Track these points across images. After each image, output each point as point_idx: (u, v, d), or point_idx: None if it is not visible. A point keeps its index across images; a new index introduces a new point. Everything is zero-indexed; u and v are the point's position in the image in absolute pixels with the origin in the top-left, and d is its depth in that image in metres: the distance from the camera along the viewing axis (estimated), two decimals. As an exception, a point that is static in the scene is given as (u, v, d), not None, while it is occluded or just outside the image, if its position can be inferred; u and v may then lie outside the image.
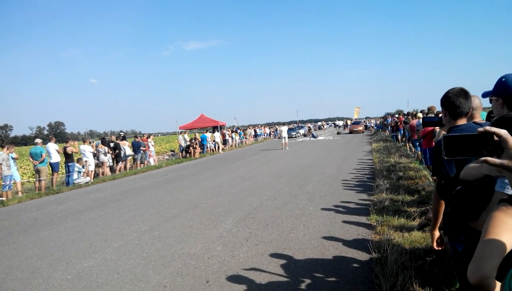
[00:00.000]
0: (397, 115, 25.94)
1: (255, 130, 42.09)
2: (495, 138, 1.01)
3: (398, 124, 20.05)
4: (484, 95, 2.14)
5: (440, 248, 2.53)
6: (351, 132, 42.08)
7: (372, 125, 51.24)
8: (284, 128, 26.45)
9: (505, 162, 0.99)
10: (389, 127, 27.47)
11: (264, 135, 44.21)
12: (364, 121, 63.69)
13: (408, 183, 8.34)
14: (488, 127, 1.01)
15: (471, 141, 1.05)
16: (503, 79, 1.87)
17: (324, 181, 9.89)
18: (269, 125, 73.33)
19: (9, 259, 5.35)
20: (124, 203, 9.01)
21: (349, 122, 59.41)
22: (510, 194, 1.48)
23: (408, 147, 15.37)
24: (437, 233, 2.49)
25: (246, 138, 35.75)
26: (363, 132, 41.01)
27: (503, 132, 1.00)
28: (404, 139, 17.57)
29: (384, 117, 38.41)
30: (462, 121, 2.23)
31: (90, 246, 5.63)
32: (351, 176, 10.43)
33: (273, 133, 47.69)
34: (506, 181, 1.55)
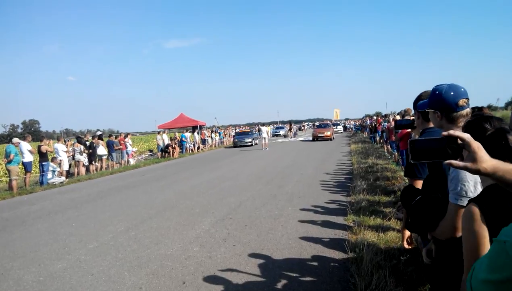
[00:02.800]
0: (375, 117, 26.40)
1: (235, 131, 42.05)
2: (459, 141, 1.04)
3: (376, 126, 20.41)
4: (420, 107, 2.07)
5: (410, 247, 2.58)
6: (314, 139, 30.08)
7: (351, 126, 52.00)
8: (264, 129, 26.70)
9: (468, 164, 1.02)
10: (368, 129, 27.92)
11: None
12: (344, 122, 64.47)
13: (385, 183, 8.49)
14: (452, 131, 1.04)
15: (436, 145, 1.07)
16: (437, 92, 1.84)
17: (303, 182, 9.96)
18: (250, 125, 73.48)
19: (-23, 261, 5.15)
20: (100, 204, 8.82)
21: (293, 127, 49.18)
22: (464, 204, 1.52)
23: (386, 148, 15.66)
24: (407, 232, 2.54)
25: (226, 138, 35.66)
26: (331, 138, 29.83)
27: (466, 136, 1.03)
28: (382, 141, 17.90)
29: (363, 119, 39.02)
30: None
31: (64, 247, 5.49)
32: (330, 177, 10.54)
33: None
34: (461, 191, 1.59)
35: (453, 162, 1.03)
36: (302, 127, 70.57)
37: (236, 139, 29.14)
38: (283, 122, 70.77)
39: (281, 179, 10.65)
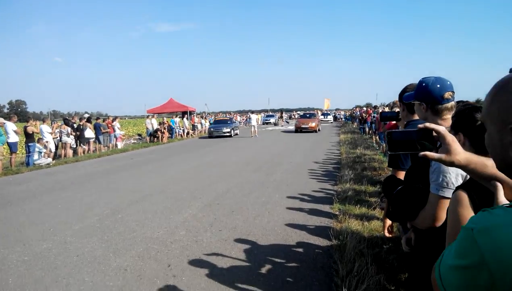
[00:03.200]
0: (365, 108, 26.55)
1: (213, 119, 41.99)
2: (434, 134, 1.07)
3: (366, 117, 20.55)
4: (406, 98, 2.10)
5: (391, 235, 2.64)
6: (297, 130, 26.53)
7: (342, 117, 52.24)
8: (253, 116, 26.60)
9: (442, 156, 1.06)
10: (357, 119, 28.09)
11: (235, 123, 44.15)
12: (334, 112, 64.68)
13: (372, 173, 8.60)
14: (427, 124, 1.07)
15: (412, 137, 1.10)
16: (424, 84, 1.87)
17: (291, 170, 10.02)
18: (240, 113, 73.21)
19: (-40, 240, 5.10)
20: (87, 186, 8.77)
21: (284, 115, 48.91)
22: (445, 195, 1.57)
23: (374, 139, 15.81)
24: (388, 221, 2.59)
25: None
26: (316, 130, 26.10)
27: (441, 128, 1.06)
28: (371, 132, 18.05)
29: (353, 110, 39.13)
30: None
31: (49, 228, 5.46)
32: (318, 166, 10.62)
33: (243, 121, 47.67)
34: (442, 182, 1.63)
35: (428, 153, 1.07)
36: (293, 116, 70.70)
37: (211, 129, 24.77)
38: (273, 110, 70.77)
39: (270, 167, 10.70)
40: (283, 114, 45.59)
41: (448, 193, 1.57)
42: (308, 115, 30.97)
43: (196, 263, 4.03)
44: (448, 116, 1.83)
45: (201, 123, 30.85)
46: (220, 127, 24.70)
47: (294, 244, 4.51)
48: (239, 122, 46.54)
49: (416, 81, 2.21)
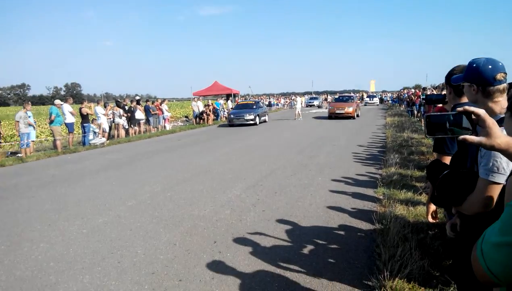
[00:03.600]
0: (413, 90, 25.45)
1: (269, 102, 42.00)
2: (473, 117, 1.06)
3: (414, 99, 19.73)
4: (454, 80, 2.03)
5: (434, 221, 2.60)
6: (331, 116, 22.84)
7: (388, 99, 50.42)
8: (299, 99, 26.42)
9: (482, 140, 1.05)
10: (405, 102, 27.02)
11: (278, 105, 44.02)
12: (381, 94, 62.46)
13: (419, 158, 8.34)
14: (467, 107, 1.06)
15: (451, 120, 1.09)
16: (474, 65, 1.80)
17: (335, 153, 9.95)
18: (284, 95, 72.78)
19: (28, 211, 5.64)
20: (138, 165, 9.26)
21: (328, 98, 45.92)
22: (495, 180, 1.52)
23: (423, 122, 15.20)
24: (432, 206, 2.55)
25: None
26: (354, 116, 22.28)
27: (481, 111, 1.05)
28: (419, 114, 17.34)
29: (400, 92, 37.56)
30: (466, 99, 2.23)
31: (105, 203, 5.88)
32: (362, 149, 10.45)
33: (287, 104, 47.40)
34: (493, 167, 1.58)
35: (468, 137, 1.06)
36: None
37: (231, 116, 20.74)
38: (317, 92, 69.67)
39: (313, 149, 10.68)
40: (328, 96, 44.73)
41: (499, 178, 1.52)
42: (344, 99, 26.15)
43: (240, 241, 4.19)
44: (500, 99, 1.76)
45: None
46: (241, 113, 20.67)
47: (336, 227, 4.55)
48: (283, 104, 46.34)
49: (466, 62, 2.14)
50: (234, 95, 31.77)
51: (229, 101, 27.39)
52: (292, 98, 46.63)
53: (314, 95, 54.22)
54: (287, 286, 3.14)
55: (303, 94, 64.15)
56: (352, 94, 32.92)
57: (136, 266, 3.64)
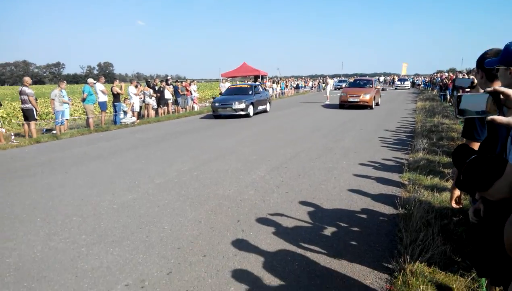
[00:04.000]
0: (446, 74, 24.54)
1: (297, 84, 41.59)
2: (501, 97, 1.06)
3: (448, 83, 19.07)
4: (488, 64, 1.97)
5: (458, 206, 2.58)
6: (342, 105, 18.70)
7: (420, 83, 48.81)
8: (330, 81, 26.06)
9: (511, 120, 1.05)
10: (438, 86, 26.13)
11: (306, 88, 43.53)
12: (413, 78, 60.46)
13: (448, 144, 8.14)
14: (496, 87, 1.07)
15: (480, 101, 1.10)
16: (511, 48, 1.74)
17: (361, 137, 9.84)
18: (312, 77, 71.74)
19: (62, 186, 5.95)
20: (166, 144, 9.52)
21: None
22: None
23: (453, 104, 14.71)
24: (457, 192, 2.53)
25: (287, 89, 35.46)
26: (371, 105, 18.07)
27: (511, 92, 1.05)
28: (452, 99, 16.78)
29: (433, 75, 36.26)
30: (498, 84, 2.18)
31: (134, 180, 6.12)
32: (390, 134, 10.28)
33: (316, 87, 46.77)
34: None
35: (496, 117, 1.07)
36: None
37: (216, 104, 16.12)
38: (346, 75, 68.21)
39: (339, 133, 10.60)
40: (375, 78, 43.77)
41: None
42: (360, 83, 20.86)
43: (263, 220, 4.30)
44: None
45: (272, 88, 30.96)
46: (228, 101, 15.81)
47: (358, 210, 4.57)
48: (311, 87, 45.71)
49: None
50: (262, 77, 31.67)
51: (257, 83, 27.31)
52: (320, 80, 45.94)
53: (343, 78, 53.15)
54: (307, 266, 3.22)
55: (332, 76, 63.01)
56: (371, 78, 24.30)
57: (163, 241, 3.82)
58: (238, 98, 15.91)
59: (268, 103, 18.26)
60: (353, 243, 3.68)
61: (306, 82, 47.07)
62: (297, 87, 40.83)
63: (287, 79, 42.44)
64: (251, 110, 15.97)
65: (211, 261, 3.35)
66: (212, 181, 5.96)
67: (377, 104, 19.53)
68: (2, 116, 14.55)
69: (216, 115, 16.14)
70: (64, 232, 4.13)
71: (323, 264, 3.25)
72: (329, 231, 3.96)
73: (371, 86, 19.51)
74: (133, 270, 3.22)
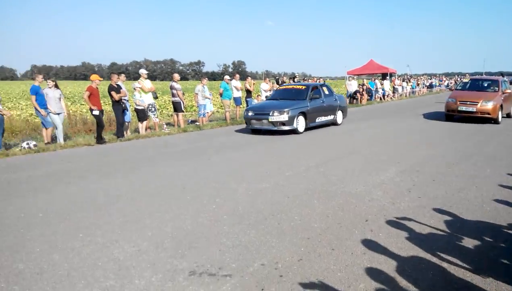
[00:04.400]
0: None
1: (430, 83, 38.21)
2: None
3: None
4: None
5: None
6: (450, 115, 13.45)
7: None
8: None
9: None
10: None
11: (440, 86, 39.64)
12: None
13: None
14: None
15: None
16: None
17: (509, 143, 8.66)
18: (448, 75, 64.81)
19: (204, 171, 6.71)
20: (295, 140, 9.88)
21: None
22: None
23: None
24: None
25: (418, 88, 32.91)
26: (496, 118, 12.32)
27: None
28: None
29: None
30: None
31: (266, 171, 6.56)
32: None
33: (452, 85, 42.24)
34: None
35: None
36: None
37: (249, 113, 11.44)
38: (489, 73, 59.79)
39: (482, 137, 9.51)
40: (504, 77, 37.73)
41: None
42: (480, 85, 14.67)
43: (393, 223, 4.18)
44: None
45: (402, 86, 29.11)
46: (265, 110, 11.10)
47: (505, 225, 4.10)
48: (447, 86, 41.48)
49: None
50: (391, 75, 30.02)
51: (385, 81, 26.04)
52: (458, 79, 41.32)
53: (484, 77, 46.78)
54: (443, 276, 3.06)
55: (472, 74, 56.07)
56: (500, 77, 16.22)
57: (293, 229, 4.04)
58: (280, 106, 10.99)
59: (338, 112, 12.97)
60: (503, 260, 3.34)
61: (442, 81, 42.81)
62: (431, 86, 37.50)
63: (418, 78, 39.26)
64: (300, 123, 11.03)
65: (340, 256, 3.43)
66: (339, 178, 6.00)
67: (508, 115, 13.93)
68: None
69: (253, 130, 11.57)
70: (209, 211, 4.67)
71: (462, 277, 3.04)
72: (470, 243, 3.66)
73: (497, 89, 13.50)
74: (268, 252, 3.51)
